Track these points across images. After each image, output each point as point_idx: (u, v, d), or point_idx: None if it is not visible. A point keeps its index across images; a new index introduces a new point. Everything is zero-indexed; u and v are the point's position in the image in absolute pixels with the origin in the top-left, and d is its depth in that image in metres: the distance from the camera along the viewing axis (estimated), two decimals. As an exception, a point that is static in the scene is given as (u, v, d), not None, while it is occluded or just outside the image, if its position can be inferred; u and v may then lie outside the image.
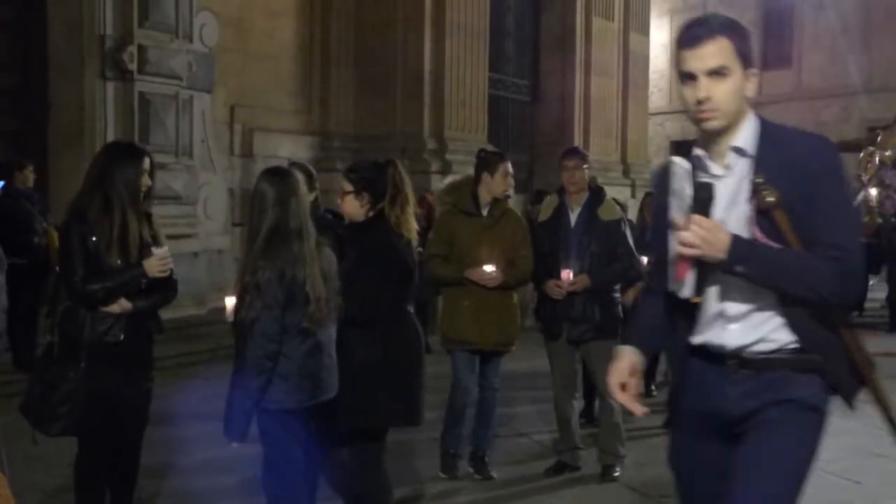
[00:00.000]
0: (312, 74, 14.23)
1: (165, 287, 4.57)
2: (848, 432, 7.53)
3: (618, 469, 6.21)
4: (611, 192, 13.22)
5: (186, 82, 11.51)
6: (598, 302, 6.00)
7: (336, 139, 14.02)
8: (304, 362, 3.92)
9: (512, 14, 17.76)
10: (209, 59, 11.94)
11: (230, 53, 12.79)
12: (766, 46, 29.17)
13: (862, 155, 18.96)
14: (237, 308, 3.92)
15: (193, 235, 11.53)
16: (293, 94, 14.05)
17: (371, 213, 4.51)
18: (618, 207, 6.22)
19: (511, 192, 6.33)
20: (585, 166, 6.09)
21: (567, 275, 5.92)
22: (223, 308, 4.37)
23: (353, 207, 4.53)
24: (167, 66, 11.20)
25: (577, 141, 18.47)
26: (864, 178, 18.43)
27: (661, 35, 29.64)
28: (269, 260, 3.86)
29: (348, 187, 4.52)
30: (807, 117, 24.97)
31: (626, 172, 19.54)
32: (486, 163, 6.19)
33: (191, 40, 11.64)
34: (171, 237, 10.99)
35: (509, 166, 6.24)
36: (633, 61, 19.97)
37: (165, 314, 4.53)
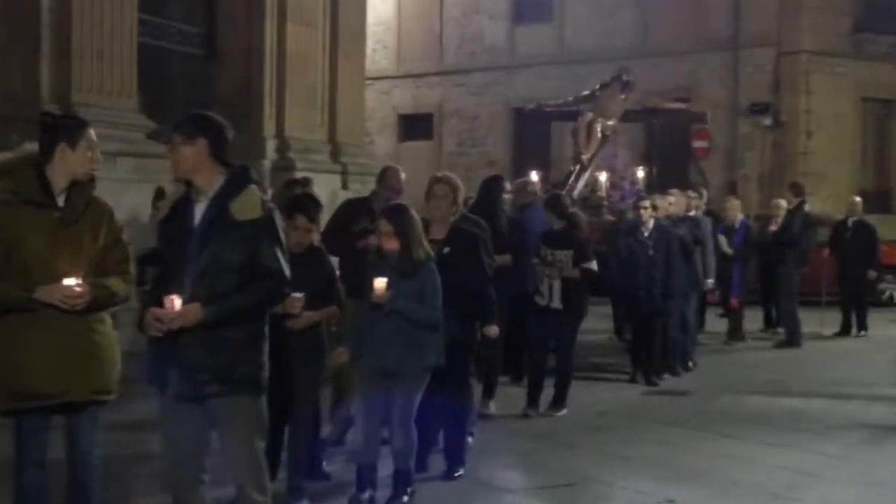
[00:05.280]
0: None
1: None
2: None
3: None
4: (317, 180, 12.91)
5: None
6: (225, 341, 5.44)
7: None
8: None
9: (175, -64, 17.23)
10: None
11: None
12: (520, -7, 30.01)
13: (578, 123, 17.96)
14: None
15: None
16: None
17: None
18: (261, 202, 5.53)
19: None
20: (190, 144, 5.46)
21: (171, 303, 5.34)
22: None
23: None
24: None
25: (269, 111, 18.14)
26: (586, 157, 17.37)
27: (383, -26, 29.85)
28: None
29: None
30: (568, 84, 25.70)
31: (335, 155, 19.32)
32: (64, 130, 5.78)
33: None
34: None
35: (93, 134, 5.82)
36: (344, 6, 19.80)
37: None
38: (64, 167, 5.69)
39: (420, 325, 7.37)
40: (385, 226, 7.42)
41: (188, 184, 5.62)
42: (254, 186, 5.60)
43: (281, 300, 5.89)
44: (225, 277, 5.45)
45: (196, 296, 5.39)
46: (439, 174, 8.92)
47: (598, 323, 15.85)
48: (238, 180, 5.58)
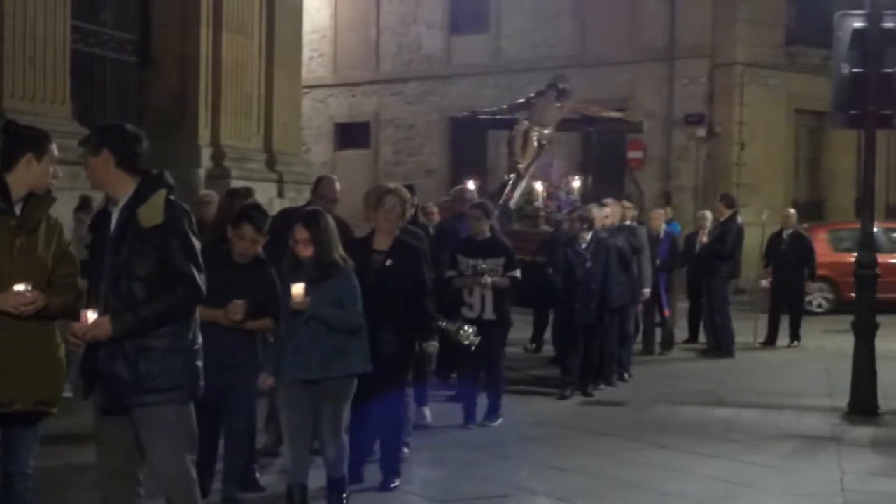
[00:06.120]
0: None
1: None
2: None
3: None
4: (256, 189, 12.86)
5: None
6: (145, 350, 5.44)
7: None
8: None
9: (109, -57, 17.10)
10: None
11: None
12: (456, 3, 30.01)
13: (514, 132, 17.54)
14: None
15: None
16: None
17: None
18: (165, 206, 5.49)
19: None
20: (98, 153, 5.54)
21: (85, 316, 5.37)
22: None
23: None
24: None
25: (204, 119, 18.07)
26: (522, 166, 16.98)
27: (320, -18, 29.80)
28: None
29: None
30: (504, 94, 25.72)
31: (271, 164, 19.28)
32: (31, 141, 5.78)
33: None
34: None
35: (55, 149, 5.83)
36: (281, 14, 19.76)
37: None
38: (27, 177, 5.69)
39: (342, 330, 7.31)
40: (301, 233, 7.33)
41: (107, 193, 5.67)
42: (162, 191, 5.54)
43: (196, 305, 5.71)
44: (137, 287, 5.43)
45: (109, 306, 5.39)
46: (392, 185, 8.94)
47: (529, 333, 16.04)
48: (146, 187, 5.54)
